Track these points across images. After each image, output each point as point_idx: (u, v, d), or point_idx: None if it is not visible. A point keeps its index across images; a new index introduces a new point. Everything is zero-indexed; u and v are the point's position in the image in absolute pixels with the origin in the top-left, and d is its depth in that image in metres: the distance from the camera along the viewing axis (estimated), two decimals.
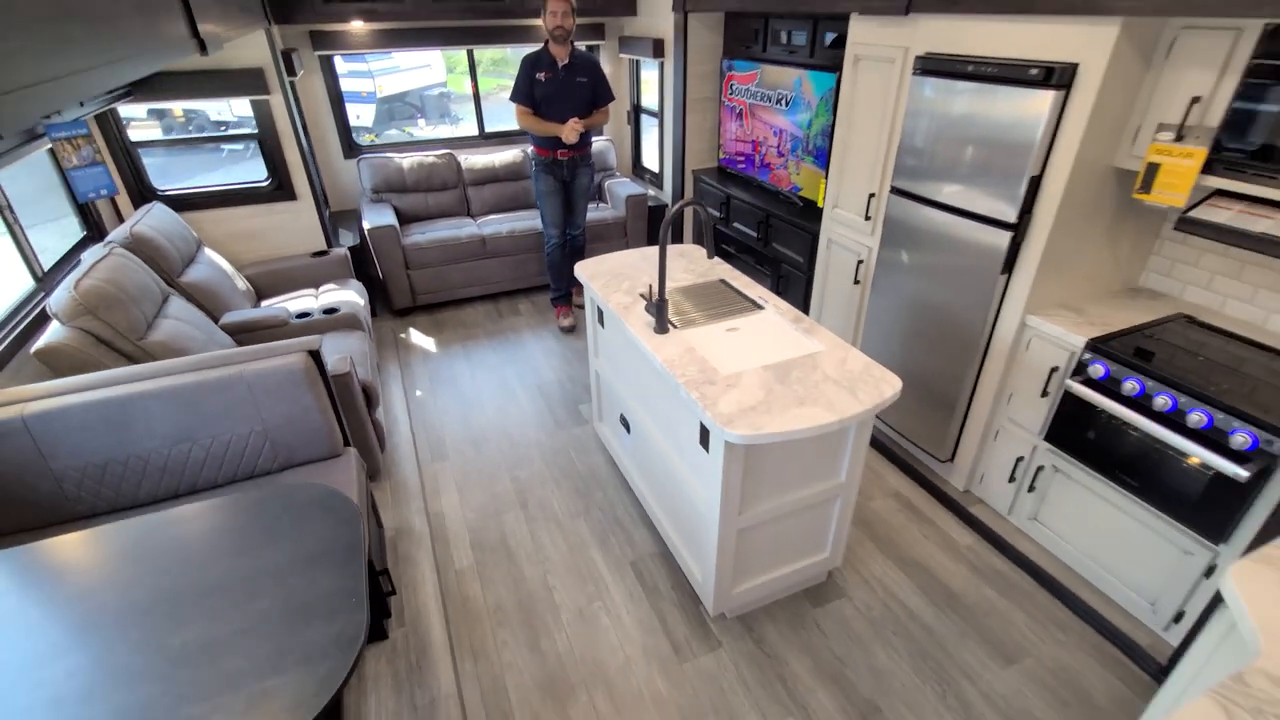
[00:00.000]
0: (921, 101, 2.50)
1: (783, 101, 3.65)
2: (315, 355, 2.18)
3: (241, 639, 1.33)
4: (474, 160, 4.79)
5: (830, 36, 3.37)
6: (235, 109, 8.21)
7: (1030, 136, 2.13)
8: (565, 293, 4.29)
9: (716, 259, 2.86)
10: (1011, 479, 2.56)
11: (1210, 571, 1.96)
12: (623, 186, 4.89)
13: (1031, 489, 2.49)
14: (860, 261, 3.07)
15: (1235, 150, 1.82)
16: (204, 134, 8.46)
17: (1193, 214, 1.96)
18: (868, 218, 2.96)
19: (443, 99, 12.08)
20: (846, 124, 3.00)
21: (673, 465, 2.25)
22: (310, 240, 3.89)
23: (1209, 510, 1.91)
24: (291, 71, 3.65)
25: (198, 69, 3.24)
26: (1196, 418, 1.87)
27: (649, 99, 5.17)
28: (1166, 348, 2.10)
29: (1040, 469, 2.43)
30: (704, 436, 1.94)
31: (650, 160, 5.43)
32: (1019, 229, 2.25)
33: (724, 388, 1.89)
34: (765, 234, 3.88)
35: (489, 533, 2.68)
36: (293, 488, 1.76)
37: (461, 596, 2.40)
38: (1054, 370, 2.29)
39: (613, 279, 2.64)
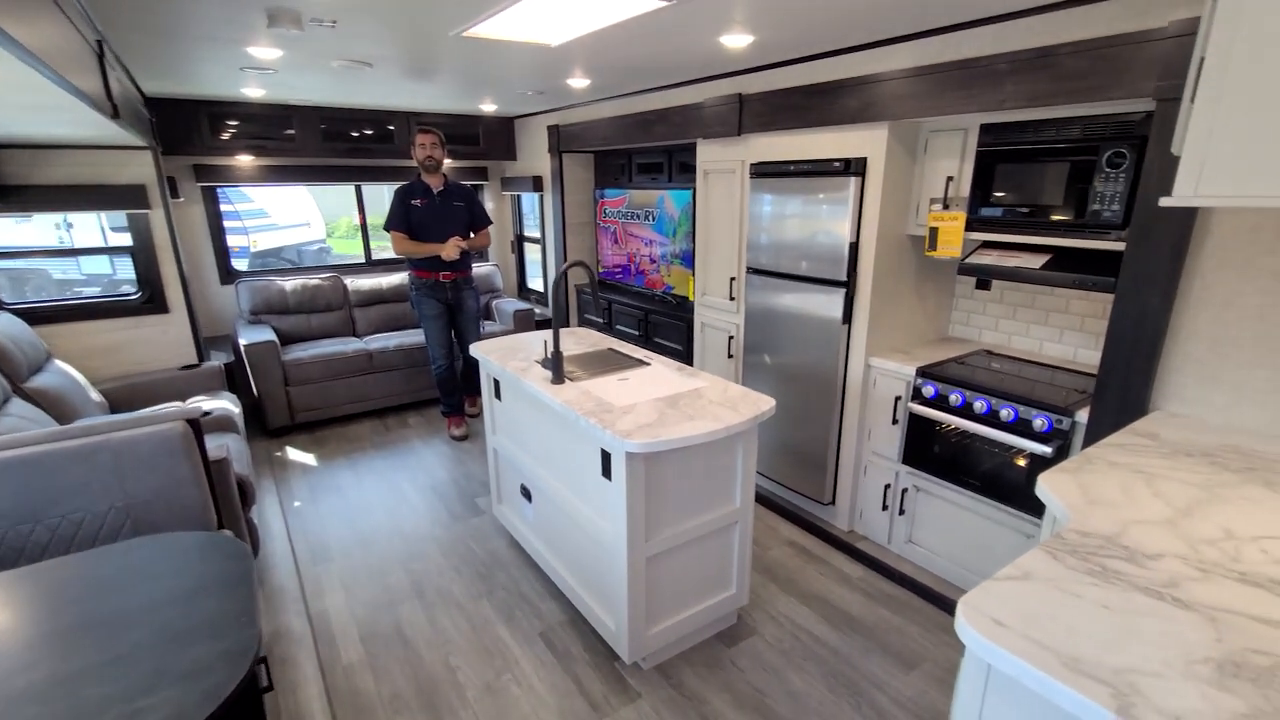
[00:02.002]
0: (760, 198, 3.07)
1: (649, 217, 4.22)
2: (195, 424, 2.08)
3: (108, 668, 1.18)
4: (361, 283, 4.91)
5: (682, 162, 4.05)
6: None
7: (844, 212, 2.68)
8: (457, 406, 4.28)
9: (605, 336, 3.12)
10: (884, 507, 2.83)
11: None
12: (509, 304, 5.17)
13: (902, 512, 2.76)
14: (731, 337, 3.47)
15: (985, 211, 2.43)
16: (67, 248, 7.86)
17: (969, 261, 2.52)
18: (732, 298, 3.41)
19: (320, 254, 12.19)
20: (705, 226, 3.54)
21: (577, 512, 2.29)
22: (179, 354, 3.71)
23: (1033, 491, 2.25)
24: (175, 194, 3.71)
25: (77, 182, 3.23)
26: (1006, 413, 2.28)
27: (531, 228, 5.68)
28: (975, 370, 2.57)
29: (905, 491, 2.73)
30: (605, 465, 2.04)
31: (535, 282, 5.83)
32: (849, 285, 2.74)
33: (620, 414, 2.05)
34: (646, 330, 4.25)
35: (381, 624, 2.47)
36: (168, 536, 1.62)
37: (351, 691, 2.15)
38: (898, 399, 2.68)
39: (508, 352, 2.79)
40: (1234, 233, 1.75)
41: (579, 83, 3.50)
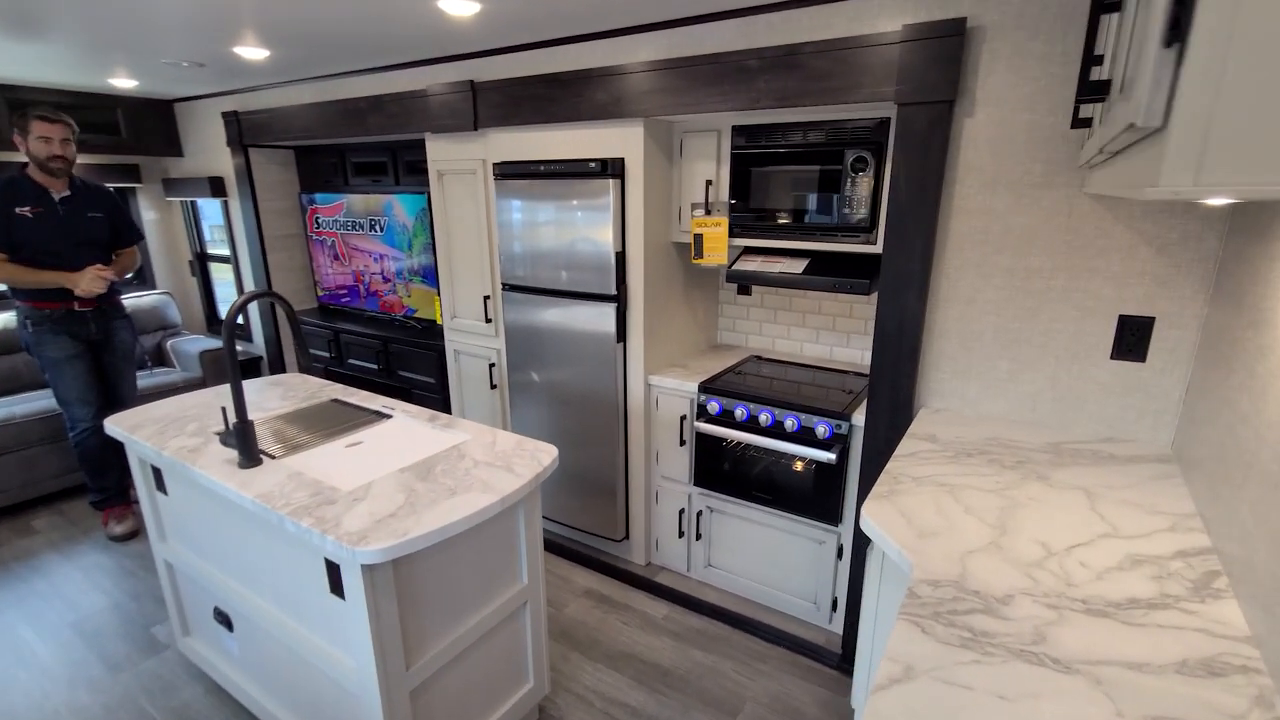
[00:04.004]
0: (510, 203, 2.65)
1: (376, 227, 3.51)
2: None
3: None
4: None
5: (411, 161, 3.43)
6: None
7: (605, 218, 2.40)
8: (115, 490, 3.08)
9: (326, 382, 2.40)
10: (680, 534, 2.64)
11: (840, 552, 2.26)
12: (193, 343, 3.96)
13: (699, 536, 2.59)
14: (492, 365, 2.99)
15: (744, 216, 2.34)
16: None
17: (735, 269, 2.42)
18: (488, 320, 2.93)
19: None
20: (446, 235, 2.99)
21: (302, 643, 1.62)
22: None
23: (821, 499, 2.23)
24: None
25: None
26: (790, 423, 2.21)
27: (217, 244, 4.45)
28: (752, 379, 2.49)
29: (700, 514, 2.56)
30: (335, 579, 1.44)
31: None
32: (620, 299, 2.47)
33: (348, 504, 1.46)
34: (386, 363, 3.53)
35: None
36: None
37: None
38: (683, 418, 2.49)
39: (172, 424, 1.94)
40: (967, 234, 1.84)
41: (254, 54, 2.68)
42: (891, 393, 1.98)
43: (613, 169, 2.34)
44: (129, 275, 3.13)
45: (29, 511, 3.26)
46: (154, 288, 4.45)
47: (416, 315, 3.52)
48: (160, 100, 4.04)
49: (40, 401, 3.25)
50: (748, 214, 2.32)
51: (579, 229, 2.48)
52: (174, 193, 4.29)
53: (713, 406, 2.39)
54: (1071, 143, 1.65)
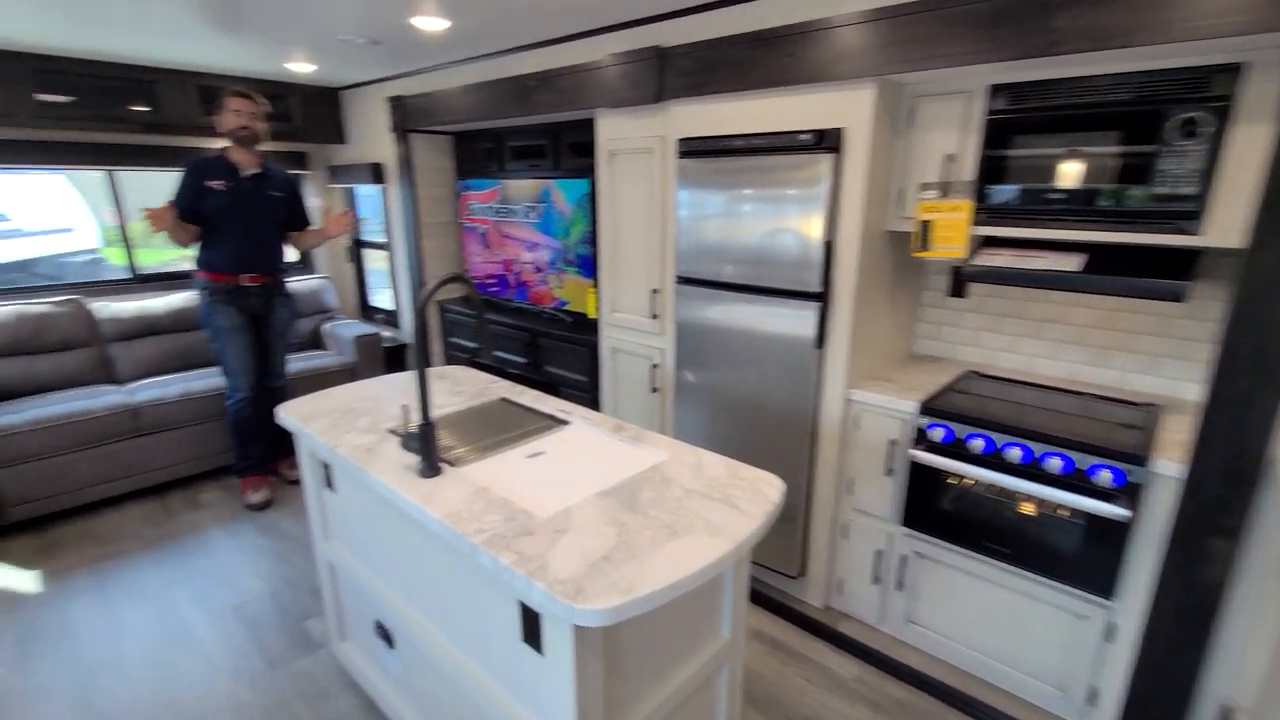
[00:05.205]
0: (693, 183, 2.33)
1: (532, 214, 3.33)
2: None
3: None
4: (120, 308, 3.49)
5: (574, 143, 3.22)
6: None
7: (815, 201, 2.02)
8: (258, 460, 3.16)
9: (492, 378, 2.20)
10: (875, 579, 2.21)
11: (1111, 633, 1.75)
12: (348, 328, 4.01)
13: (900, 586, 2.15)
14: (654, 365, 2.69)
15: (995, 199, 1.88)
16: None
17: (975, 263, 1.96)
18: (654, 316, 2.64)
19: (92, 267, 9.70)
20: (611, 222, 2.73)
21: (477, 688, 1.38)
22: None
23: (1091, 562, 1.73)
24: None
25: None
26: (1055, 463, 1.73)
27: (373, 232, 4.51)
28: (991, 403, 2.01)
29: (904, 559, 2.12)
30: (531, 628, 1.17)
31: (380, 298, 4.67)
32: (824, 298, 2.08)
33: (549, 536, 1.19)
34: (534, 357, 3.35)
35: None
36: None
37: None
38: (893, 443, 2.07)
39: (344, 417, 1.79)
40: None
41: (432, 24, 2.54)
42: (1235, 437, 1.46)
43: (829, 142, 1.96)
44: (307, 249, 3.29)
45: (198, 484, 3.37)
46: (314, 272, 4.59)
47: (567, 308, 3.31)
48: (329, 88, 4.13)
49: (215, 379, 3.35)
50: (1000, 196, 1.86)
51: (777, 213, 2.12)
52: (337, 179, 4.38)
53: (936, 433, 1.94)
54: None
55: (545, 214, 3.26)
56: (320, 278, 4.36)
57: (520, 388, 2.08)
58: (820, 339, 2.12)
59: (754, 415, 2.35)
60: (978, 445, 1.86)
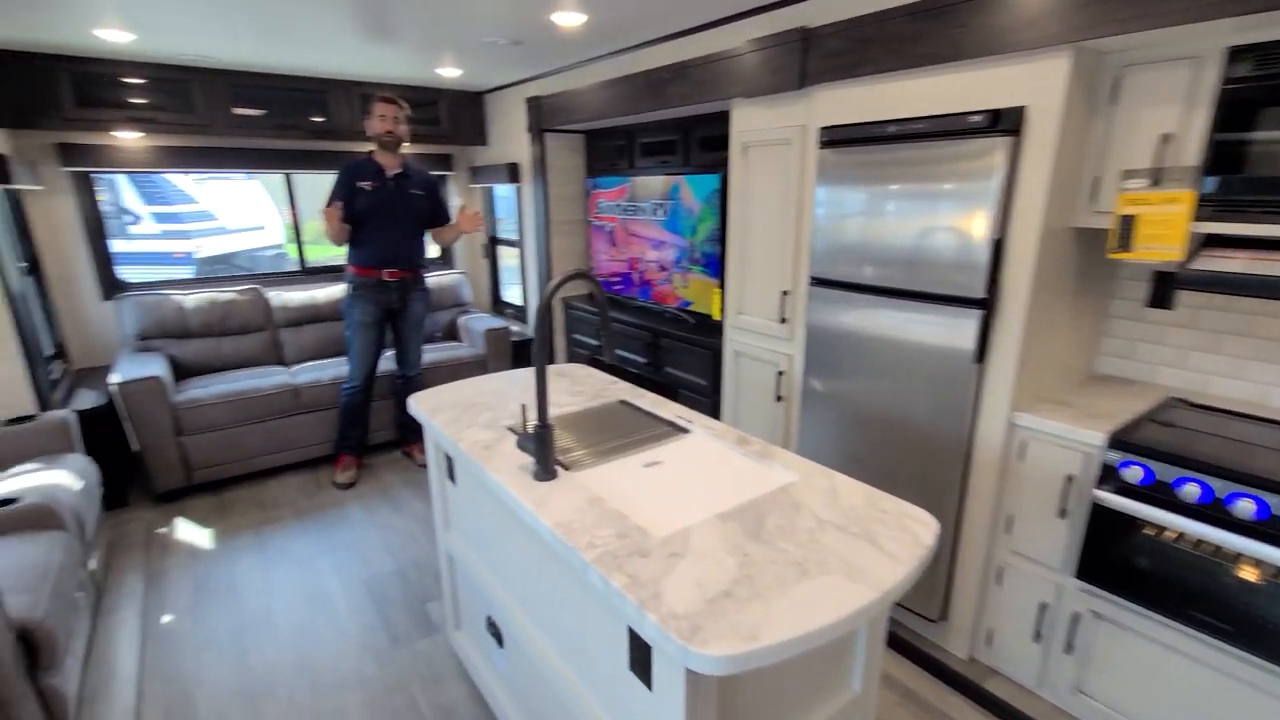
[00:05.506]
0: (835, 176, 2.13)
1: (659, 211, 3.26)
2: None
3: None
4: (290, 297, 3.88)
5: (705, 137, 3.10)
6: None
7: (983, 192, 1.75)
8: (353, 444, 3.39)
9: (612, 379, 2.15)
10: (1037, 636, 1.89)
11: None
12: (480, 321, 4.18)
13: (1069, 648, 1.82)
14: (781, 373, 2.51)
15: (1227, 189, 1.51)
16: None
17: (1196, 267, 1.60)
18: (783, 320, 2.46)
19: (278, 260, 11.05)
20: (741, 219, 2.59)
21: (577, 705, 1.31)
22: (6, 402, 2.65)
23: None
24: (4, 177, 2.66)
25: None
26: None
27: (506, 229, 4.69)
28: (1205, 439, 1.64)
29: (1076, 617, 1.79)
30: (640, 659, 1.07)
31: (510, 293, 4.84)
32: (988, 305, 1.80)
33: (665, 560, 1.08)
34: (655, 357, 3.28)
35: None
36: None
37: None
38: (1069, 480, 1.74)
39: (467, 410, 1.81)
40: None
41: (570, 19, 2.53)
42: None
43: (1006, 123, 1.68)
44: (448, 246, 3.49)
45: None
46: (453, 268, 4.85)
47: (691, 308, 3.20)
48: (474, 92, 4.32)
49: None
50: (1233, 186, 1.49)
51: (934, 207, 1.87)
52: (478, 179, 4.59)
53: (1133, 473, 1.61)
54: None
55: (673, 211, 3.17)
56: (458, 273, 4.59)
57: (640, 390, 2.01)
58: (981, 352, 1.84)
59: (892, 434, 2.10)
60: (1191, 492, 1.51)
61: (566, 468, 1.46)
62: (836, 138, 2.10)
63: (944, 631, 2.13)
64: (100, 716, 1.90)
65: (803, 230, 2.33)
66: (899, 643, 2.18)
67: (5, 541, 1.88)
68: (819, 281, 2.26)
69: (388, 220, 3.07)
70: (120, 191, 7.62)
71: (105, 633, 2.24)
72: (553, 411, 1.82)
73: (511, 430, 1.65)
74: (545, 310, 1.33)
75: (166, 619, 2.35)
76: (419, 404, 1.87)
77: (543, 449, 1.36)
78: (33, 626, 1.62)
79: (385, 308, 3.18)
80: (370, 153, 3.08)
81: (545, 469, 1.37)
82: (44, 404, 2.74)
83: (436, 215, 3.29)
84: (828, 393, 2.30)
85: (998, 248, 1.77)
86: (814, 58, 2.14)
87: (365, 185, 3.01)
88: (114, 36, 2.71)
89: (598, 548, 1.12)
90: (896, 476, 2.11)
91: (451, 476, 1.83)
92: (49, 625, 1.67)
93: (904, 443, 2.08)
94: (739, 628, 0.91)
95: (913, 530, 1.18)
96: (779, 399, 2.55)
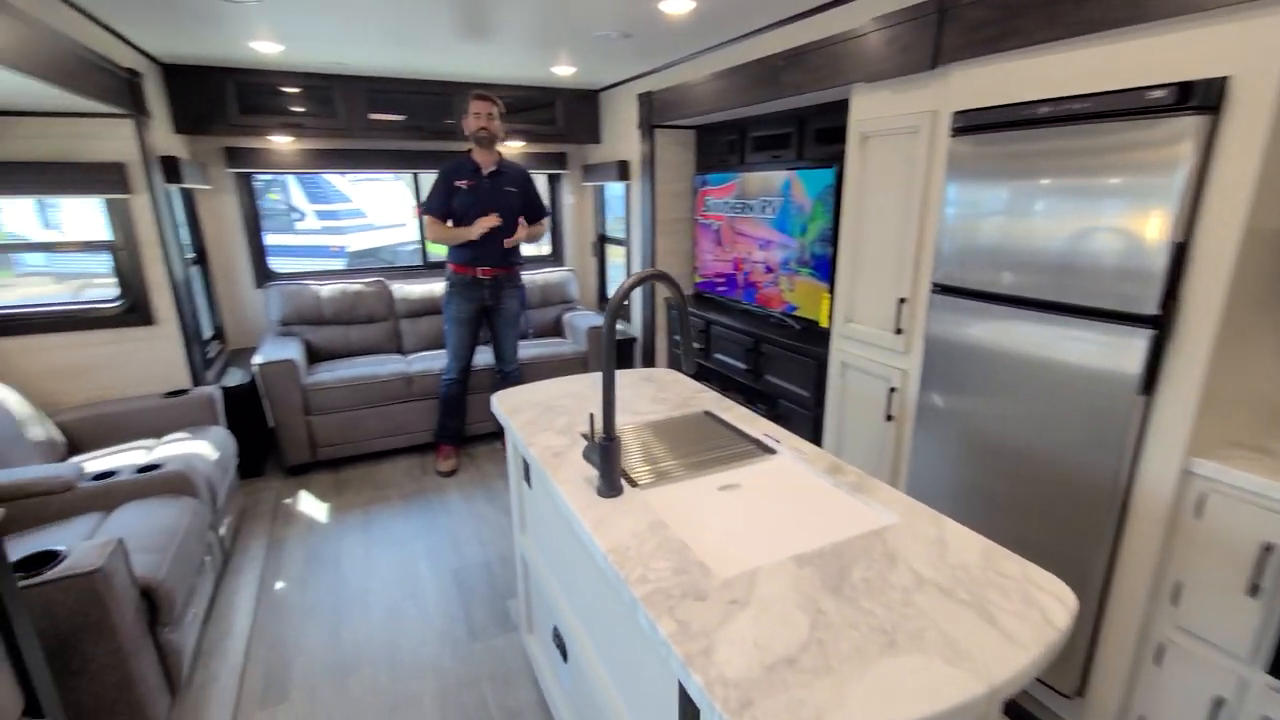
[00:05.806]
0: (968, 171, 1.84)
1: (768, 209, 3.06)
2: None
3: None
4: (410, 290, 4.10)
5: (821, 129, 2.87)
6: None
7: (1161, 187, 1.42)
8: (452, 433, 3.50)
9: (700, 387, 2.01)
10: None
11: None
12: (584, 319, 4.20)
13: None
14: (893, 389, 2.25)
15: None
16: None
17: None
18: (899, 330, 2.19)
19: (416, 255, 11.94)
20: (856, 216, 2.34)
21: None
22: (167, 377, 3.00)
23: None
24: (177, 178, 3.01)
25: (35, 159, 2.56)
26: None
27: (615, 227, 4.67)
28: None
29: None
30: (687, 713, 0.94)
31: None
32: (1163, 323, 1.47)
33: (723, 607, 0.94)
34: (755, 364, 3.09)
35: None
36: None
37: None
38: (1268, 550, 1.37)
39: (544, 413, 1.76)
40: None
41: (678, 5, 2.41)
42: None
43: (1201, 98, 1.35)
44: (534, 241, 3.49)
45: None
46: (562, 264, 4.92)
47: (796, 314, 2.98)
48: (588, 91, 4.34)
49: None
50: None
51: (1097, 203, 1.55)
52: (589, 178, 4.62)
53: None
54: None
55: (782, 209, 2.96)
56: (565, 270, 4.64)
57: (728, 402, 1.86)
58: (1149, 380, 1.50)
59: (1026, 468, 1.79)
60: None
61: (634, 483, 1.35)
62: (973, 123, 1.82)
63: (1080, 711, 1.78)
64: (212, 671, 2.07)
65: (926, 231, 2.06)
66: (1019, 712, 1.86)
67: (144, 504, 2.10)
68: (944, 289, 1.98)
69: (483, 214, 3.12)
70: (289, 191, 8.58)
71: (226, 594, 2.46)
72: (631, 419, 1.72)
73: (585, 437, 1.57)
74: (614, 313, 1.23)
75: (280, 585, 2.53)
76: (500, 403, 1.85)
77: (607, 463, 1.26)
78: (155, 584, 1.77)
79: (479, 304, 3.26)
80: (468, 151, 3.15)
81: (609, 484, 1.28)
82: (197, 380, 3.07)
83: (531, 210, 3.32)
84: (948, 413, 2.01)
85: (1179, 253, 1.43)
86: (950, 32, 1.86)
87: (462, 184, 3.09)
88: (266, 48, 2.97)
89: (650, 583, 1.00)
90: (1026, 519, 1.80)
91: (528, 479, 1.79)
92: (170, 585, 1.83)
93: (1040, 480, 1.76)
94: (799, 709, 0.76)
95: (1041, 605, 0.95)
96: (889, 418, 2.28)
